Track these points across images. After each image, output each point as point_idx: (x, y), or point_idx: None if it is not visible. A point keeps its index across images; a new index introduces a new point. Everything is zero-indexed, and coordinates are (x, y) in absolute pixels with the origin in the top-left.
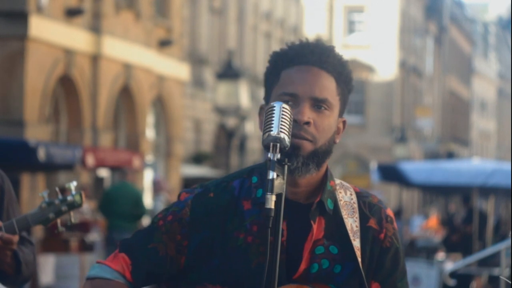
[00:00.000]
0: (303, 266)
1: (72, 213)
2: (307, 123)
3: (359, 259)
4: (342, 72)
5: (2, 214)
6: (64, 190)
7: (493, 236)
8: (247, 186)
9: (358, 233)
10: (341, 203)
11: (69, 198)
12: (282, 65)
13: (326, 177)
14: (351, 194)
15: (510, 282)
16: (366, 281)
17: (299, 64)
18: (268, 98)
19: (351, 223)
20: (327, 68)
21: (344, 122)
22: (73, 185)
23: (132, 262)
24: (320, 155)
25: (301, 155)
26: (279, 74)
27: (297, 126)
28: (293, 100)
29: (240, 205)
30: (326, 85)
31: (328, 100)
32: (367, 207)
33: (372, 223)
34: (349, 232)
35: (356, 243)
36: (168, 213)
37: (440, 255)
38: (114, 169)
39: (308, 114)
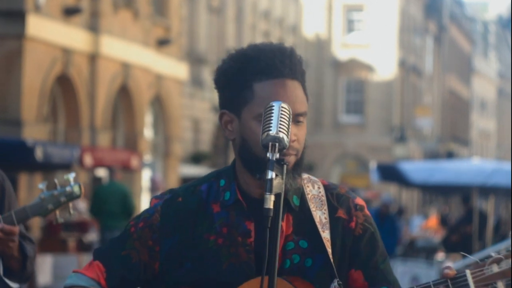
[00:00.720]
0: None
1: (70, 204)
2: (293, 141)
3: (329, 250)
4: (303, 72)
5: (3, 213)
6: (62, 182)
7: (493, 236)
8: (215, 189)
9: (328, 225)
10: (308, 197)
11: (68, 189)
12: (252, 76)
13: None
14: (319, 188)
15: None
16: (343, 272)
17: (273, 77)
18: (234, 108)
19: (320, 215)
20: (297, 77)
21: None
22: (71, 176)
23: (106, 269)
24: (302, 163)
25: (289, 171)
26: (251, 87)
27: None
28: None
29: (209, 208)
30: (301, 96)
31: (306, 111)
32: (335, 198)
33: (341, 213)
34: (317, 224)
35: (326, 235)
36: (139, 220)
37: (440, 255)
38: (111, 168)
39: (293, 132)
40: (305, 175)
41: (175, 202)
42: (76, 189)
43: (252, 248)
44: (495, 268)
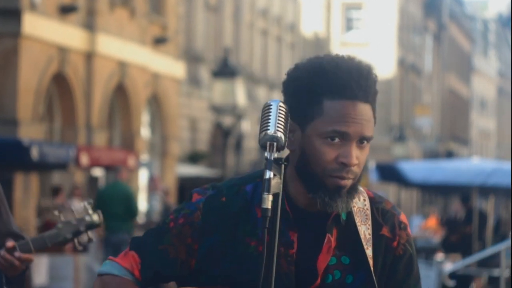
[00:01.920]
0: (320, 277)
1: (89, 233)
2: (354, 165)
3: (372, 268)
4: (376, 94)
5: None
6: (80, 210)
7: (493, 236)
8: (260, 191)
9: (371, 241)
10: (354, 210)
11: (87, 218)
12: (325, 93)
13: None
14: (364, 200)
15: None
16: None
17: (346, 98)
18: (300, 120)
19: (364, 230)
20: (369, 100)
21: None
22: (89, 204)
23: (142, 261)
24: (357, 187)
25: (344, 194)
26: (321, 103)
27: (345, 168)
28: (341, 138)
29: (254, 211)
30: (371, 120)
31: (372, 136)
32: (380, 214)
33: (385, 231)
34: (362, 240)
35: (369, 252)
36: (179, 215)
37: (439, 256)
38: (108, 168)
39: (356, 155)
40: None
41: (218, 201)
42: (95, 218)
43: (293, 259)
44: None
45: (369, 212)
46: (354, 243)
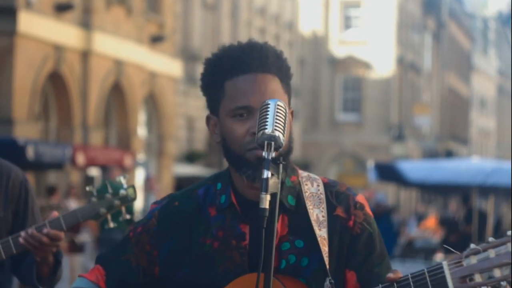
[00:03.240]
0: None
1: (124, 208)
2: None
3: (326, 249)
4: (281, 66)
5: (27, 215)
6: (115, 184)
7: (493, 236)
8: (212, 193)
9: (325, 223)
10: (306, 195)
11: (122, 191)
12: (223, 75)
13: (284, 174)
14: (318, 185)
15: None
16: (340, 271)
17: (242, 73)
18: (215, 109)
19: (317, 213)
20: (269, 70)
21: (292, 113)
22: (124, 178)
23: (106, 272)
24: (284, 159)
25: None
26: (223, 86)
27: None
28: (247, 112)
29: (206, 212)
30: (275, 89)
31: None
32: (334, 196)
33: (339, 211)
34: (313, 223)
35: (323, 233)
36: (138, 225)
37: (439, 256)
38: (104, 168)
39: None
40: (304, 173)
41: (171, 207)
42: (130, 192)
43: (246, 251)
44: (473, 260)
45: (323, 196)
46: (306, 226)
